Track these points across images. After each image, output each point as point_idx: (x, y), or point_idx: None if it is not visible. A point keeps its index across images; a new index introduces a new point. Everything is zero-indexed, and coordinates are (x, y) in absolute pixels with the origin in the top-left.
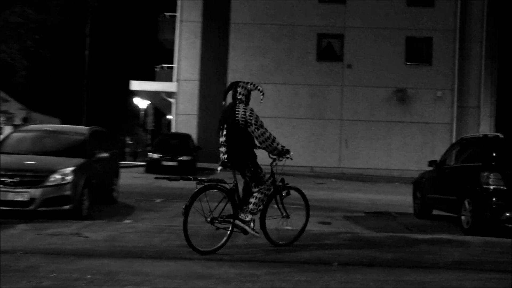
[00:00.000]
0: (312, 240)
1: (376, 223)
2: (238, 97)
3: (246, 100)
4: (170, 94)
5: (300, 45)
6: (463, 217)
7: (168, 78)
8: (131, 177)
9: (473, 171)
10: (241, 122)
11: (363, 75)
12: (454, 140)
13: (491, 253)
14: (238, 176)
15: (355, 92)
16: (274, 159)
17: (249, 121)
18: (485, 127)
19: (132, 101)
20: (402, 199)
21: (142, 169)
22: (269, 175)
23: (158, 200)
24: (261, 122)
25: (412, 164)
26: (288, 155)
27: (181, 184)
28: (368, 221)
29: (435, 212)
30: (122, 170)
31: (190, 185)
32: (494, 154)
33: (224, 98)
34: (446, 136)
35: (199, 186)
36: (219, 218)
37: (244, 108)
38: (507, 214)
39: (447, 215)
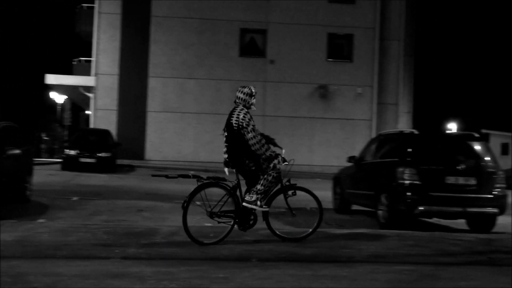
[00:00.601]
0: (232, 237)
1: (297, 218)
2: (237, 101)
3: (245, 103)
4: (88, 88)
5: (222, 40)
6: (380, 212)
7: (86, 72)
8: (47, 174)
9: (389, 166)
10: (234, 125)
11: (285, 71)
12: (374, 136)
13: (405, 246)
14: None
15: (278, 88)
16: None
17: (241, 124)
18: (403, 124)
19: (49, 96)
20: (323, 194)
21: (58, 166)
22: (270, 173)
23: (75, 198)
24: (253, 126)
25: (333, 160)
26: (275, 161)
27: (101, 181)
28: (289, 216)
29: (354, 207)
30: (37, 167)
31: (112, 183)
32: (409, 150)
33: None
34: (366, 132)
35: (199, 183)
36: (218, 213)
37: (239, 112)
38: (421, 208)
39: (365, 210)
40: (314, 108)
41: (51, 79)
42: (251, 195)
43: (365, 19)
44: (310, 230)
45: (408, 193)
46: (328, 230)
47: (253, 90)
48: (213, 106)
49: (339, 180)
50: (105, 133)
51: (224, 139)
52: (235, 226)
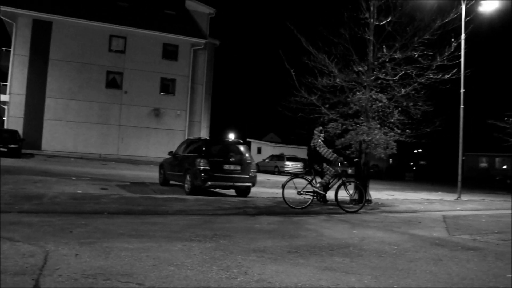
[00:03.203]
0: (93, 199)
1: (136, 189)
2: (314, 133)
3: (318, 134)
4: (5, 103)
5: (95, 77)
6: (186, 185)
7: (4, 92)
8: None
9: (192, 158)
10: (312, 146)
11: (134, 98)
12: (184, 140)
13: (198, 205)
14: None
15: (129, 108)
16: (337, 165)
17: (317, 146)
18: (203, 133)
19: None
20: (154, 174)
21: None
22: (330, 172)
23: None
24: (323, 146)
25: (162, 153)
26: (339, 163)
27: (10, 163)
28: (131, 187)
29: (172, 182)
30: None
31: (18, 164)
32: (204, 149)
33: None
34: (181, 138)
35: (291, 176)
36: (302, 192)
37: (315, 139)
38: (210, 183)
39: (178, 184)
40: (151, 122)
41: None
42: (317, 186)
43: (183, 70)
44: (359, 207)
45: (202, 174)
46: (153, 195)
47: (321, 129)
48: (88, 118)
49: (163, 165)
50: (14, 132)
51: (307, 152)
52: (314, 199)
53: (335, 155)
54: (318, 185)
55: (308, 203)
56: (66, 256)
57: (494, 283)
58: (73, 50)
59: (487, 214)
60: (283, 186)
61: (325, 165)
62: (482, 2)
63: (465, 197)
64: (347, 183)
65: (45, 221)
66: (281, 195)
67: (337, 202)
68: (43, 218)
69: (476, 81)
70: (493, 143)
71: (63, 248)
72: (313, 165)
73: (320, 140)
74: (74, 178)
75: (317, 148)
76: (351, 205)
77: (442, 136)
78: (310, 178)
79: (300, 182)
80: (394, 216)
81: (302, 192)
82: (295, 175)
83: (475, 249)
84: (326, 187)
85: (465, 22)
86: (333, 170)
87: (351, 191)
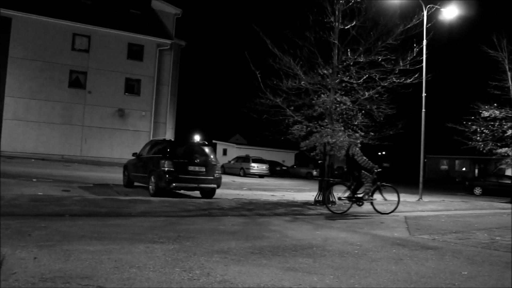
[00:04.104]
0: (54, 201)
1: (99, 190)
2: (352, 143)
3: (355, 143)
4: None
5: (58, 76)
6: (150, 186)
7: None
8: None
9: (157, 159)
10: (350, 154)
11: (98, 99)
12: (148, 141)
13: (162, 206)
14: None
15: (93, 109)
16: (372, 172)
17: (355, 154)
18: (169, 135)
19: None
20: (118, 176)
21: None
22: (369, 178)
23: None
24: (361, 154)
25: (126, 155)
26: (375, 170)
27: None
28: (94, 189)
29: (136, 184)
30: None
31: None
32: (168, 150)
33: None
34: (146, 139)
35: (331, 182)
36: (343, 198)
37: (353, 148)
38: (174, 185)
39: (142, 186)
40: (116, 122)
41: None
42: (364, 194)
43: (148, 71)
44: (393, 208)
45: (167, 175)
46: (117, 197)
47: (357, 135)
48: (50, 118)
49: (127, 167)
50: None
51: (346, 160)
52: (352, 205)
53: (371, 163)
54: (363, 194)
55: (348, 208)
56: (23, 259)
57: (450, 280)
58: (35, 48)
59: (446, 214)
60: (328, 193)
61: (363, 171)
62: (442, 10)
63: (426, 198)
64: (382, 188)
65: (2, 224)
66: (246, 197)
67: (373, 206)
68: (8, 220)
69: (437, 86)
70: (453, 146)
71: (20, 251)
72: (352, 172)
73: (358, 149)
74: (34, 180)
75: (355, 157)
76: (384, 207)
77: (405, 138)
78: (349, 184)
79: (340, 188)
80: (357, 217)
81: (342, 198)
82: (336, 181)
83: (434, 248)
84: (368, 193)
85: (427, 29)
86: (371, 176)
87: (384, 195)
